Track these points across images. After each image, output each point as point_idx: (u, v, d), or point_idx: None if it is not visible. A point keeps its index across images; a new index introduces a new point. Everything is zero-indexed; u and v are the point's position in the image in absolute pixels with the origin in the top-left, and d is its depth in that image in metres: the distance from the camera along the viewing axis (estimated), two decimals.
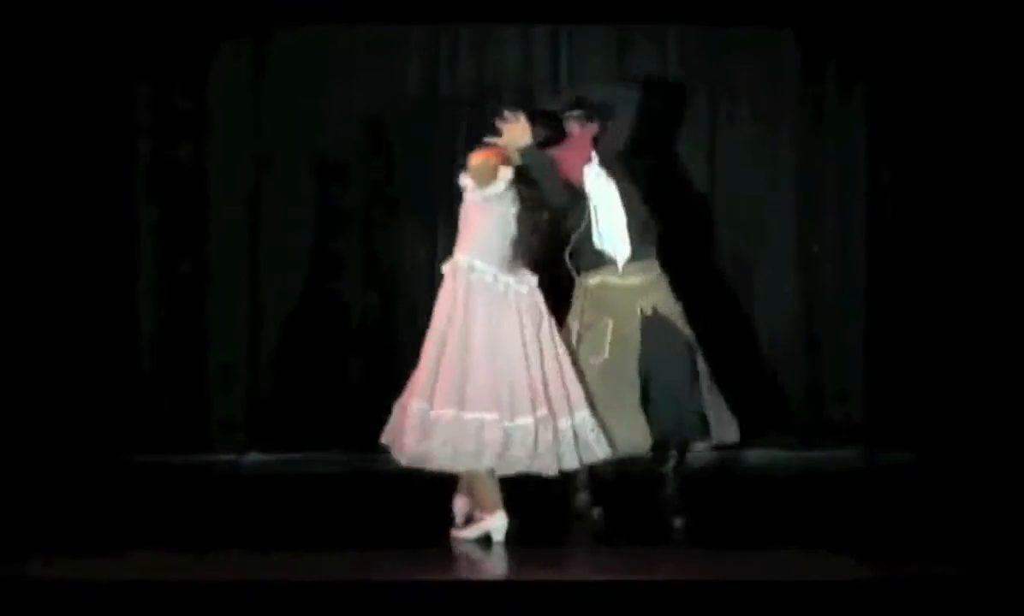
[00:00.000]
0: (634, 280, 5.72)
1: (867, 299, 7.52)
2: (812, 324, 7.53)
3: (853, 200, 7.55)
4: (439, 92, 7.49)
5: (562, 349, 5.61)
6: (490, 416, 5.39)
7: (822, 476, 6.91)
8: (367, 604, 4.44)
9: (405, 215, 7.52)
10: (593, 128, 5.79)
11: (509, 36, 7.51)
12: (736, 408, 7.36)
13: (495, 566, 5.11)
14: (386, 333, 7.48)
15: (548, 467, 5.44)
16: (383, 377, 7.32)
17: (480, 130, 6.02)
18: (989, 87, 7.24)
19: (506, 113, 5.73)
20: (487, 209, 5.64)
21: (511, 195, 5.65)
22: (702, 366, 5.72)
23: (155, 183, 7.46)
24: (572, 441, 5.47)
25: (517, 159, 5.68)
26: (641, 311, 5.68)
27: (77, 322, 7.26)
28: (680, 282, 7.31)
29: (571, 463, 5.49)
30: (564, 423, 5.48)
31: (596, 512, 5.84)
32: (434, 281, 7.42)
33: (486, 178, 5.62)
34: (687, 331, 5.77)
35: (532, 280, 5.66)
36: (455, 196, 7.43)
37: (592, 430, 5.50)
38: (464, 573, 5.01)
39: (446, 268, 5.70)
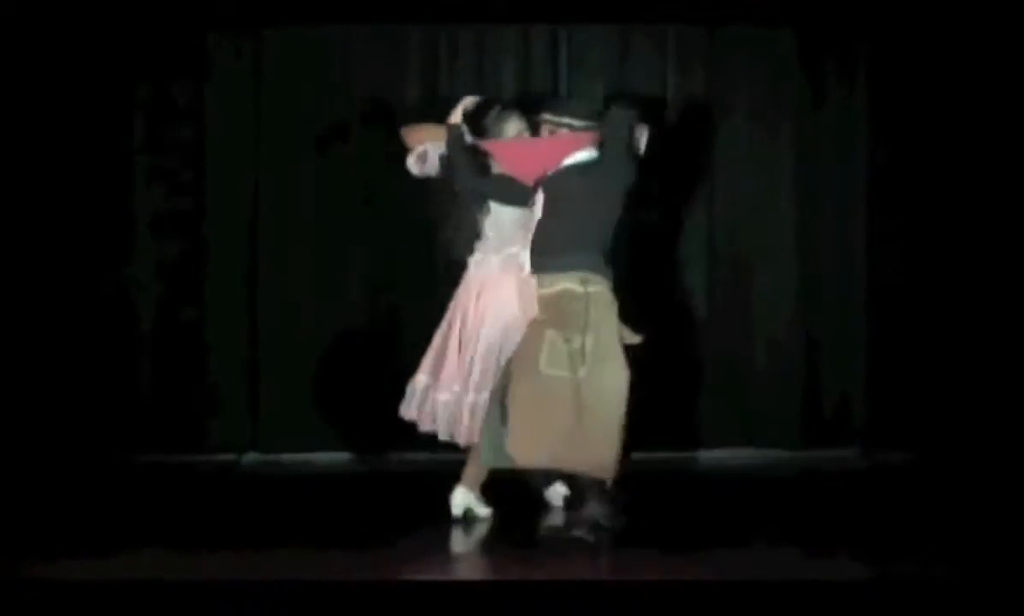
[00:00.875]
0: (535, 291, 5.52)
1: (867, 300, 7.53)
2: (812, 324, 7.54)
3: (853, 199, 7.56)
4: (439, 92, 7.50)
5: (493, 327, 5.75)
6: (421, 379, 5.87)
7: (821, 476, 6.91)
8: (367, 604, 4.44)
9: (405, 215, 7.52)
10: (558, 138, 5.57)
11: (508, 36, 7.53)
12: (734, 408, 7.43)
13: (495, 566, 5.11)
14: (386, 333, 7.48)
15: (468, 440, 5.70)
16: (384, 377, 7.35)
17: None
18: (990, 86, 7.25)
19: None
20: None
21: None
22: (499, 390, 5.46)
23: (154, 182, 7.47)
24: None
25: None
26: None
27: (76, 322, 7.27)
28: (678, 281, 7.38)
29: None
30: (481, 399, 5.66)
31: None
32: (434, 280, 7.47)
33: None
34: (530, 354, 5.37)
35: (478, 256, 5.87)
36: (454, 196, 7.47)
37: None
38: (463, 573, 5.01)
39: None
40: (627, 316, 5.52)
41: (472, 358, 5.77)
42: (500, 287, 5.80)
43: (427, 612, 4.42)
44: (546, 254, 5.42)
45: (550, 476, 5.87)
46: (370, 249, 7.52)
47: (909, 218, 7.47)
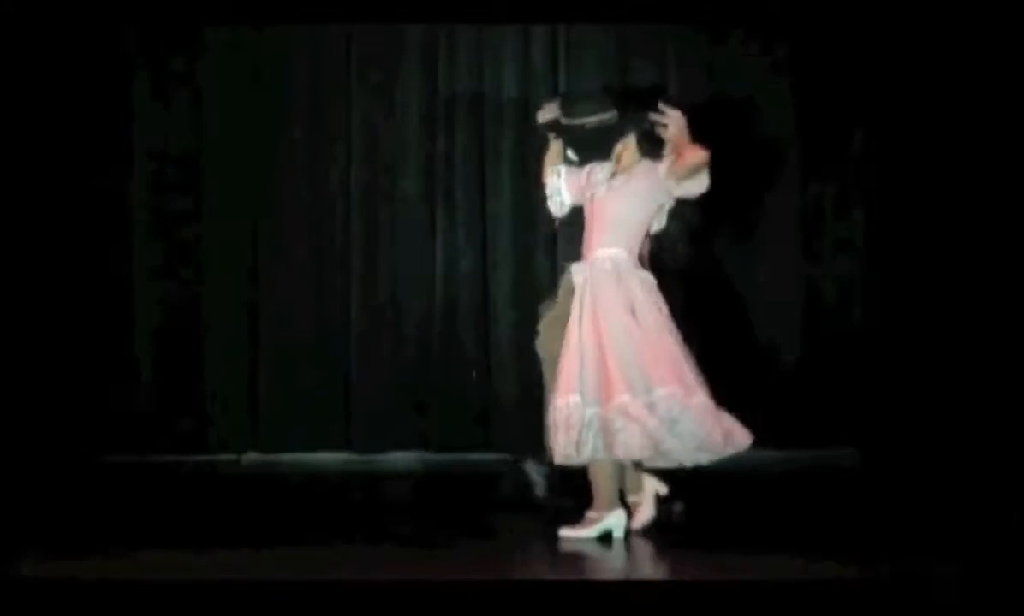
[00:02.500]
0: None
1: (864, 300, 7.55)
2: (811, 323, 7.55)
3: (852, 198, 7.58)
4: (438, 92, 7.51)
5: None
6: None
7: (816, 476, 6.92)
8: (366, 603, 4.44)
9: (407, 216, 7.53)
10: None
11: (508, 35, 7.54)
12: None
13: (493, 566, 5.10)
14: (387, 332, 7.49)
15: (570, 457, 5.29)
16: (384, 376, 7.36)
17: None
18: (980, 94, 7.28)
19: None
20: None
21: None
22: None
23: (153, 182, 7.46)
24: (598, 431, 5.22)
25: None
26: None
27: (76, 322, 7.27)
28: (680, 281, 7.38)
29: (591, 454, 5.26)
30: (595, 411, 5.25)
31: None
32: (434, 280, 7.48)
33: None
34: None
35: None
36: (454, 197, 7.49)
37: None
38: (461, 573, 5.00)
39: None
40: None
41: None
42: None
43: (425, 612, 4.42)
44: None
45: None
46: (373, 248, 7.53)
47: (907, 219, 7.49)
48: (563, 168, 5.72)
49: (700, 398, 5.25)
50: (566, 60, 7.52)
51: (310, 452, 7.37)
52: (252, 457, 7.38)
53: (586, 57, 7.51)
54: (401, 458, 7.24)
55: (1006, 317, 7.22)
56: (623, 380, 5.21)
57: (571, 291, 5.50)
